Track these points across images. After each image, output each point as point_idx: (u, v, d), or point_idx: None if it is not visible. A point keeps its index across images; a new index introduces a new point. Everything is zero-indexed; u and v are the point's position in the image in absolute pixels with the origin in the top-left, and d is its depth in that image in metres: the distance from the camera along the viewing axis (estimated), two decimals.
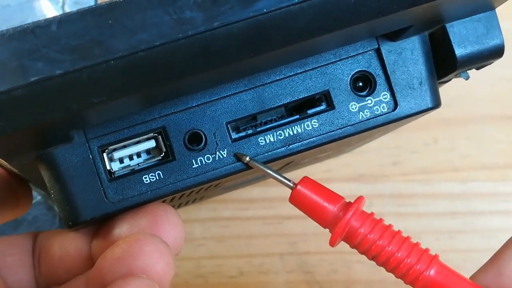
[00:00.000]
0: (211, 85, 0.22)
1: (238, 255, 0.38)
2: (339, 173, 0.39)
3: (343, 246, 0.39)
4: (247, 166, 0.23)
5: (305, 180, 0.23)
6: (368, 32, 0.23)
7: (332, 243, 0.23)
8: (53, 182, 0.22)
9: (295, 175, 0.38)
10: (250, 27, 0.18)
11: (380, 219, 0.23)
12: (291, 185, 0.23)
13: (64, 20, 0.18)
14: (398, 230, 0.24)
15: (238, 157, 0.22)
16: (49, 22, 0.17)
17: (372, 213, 0.23)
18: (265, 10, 0.18)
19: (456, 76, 0.25)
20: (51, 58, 0.17)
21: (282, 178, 0.23)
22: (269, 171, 0.23)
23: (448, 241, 0.39)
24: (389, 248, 0.23)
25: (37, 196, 0.36)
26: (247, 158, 0.22)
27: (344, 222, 0.23)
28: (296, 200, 0.23)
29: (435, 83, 0.24)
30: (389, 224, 0.24)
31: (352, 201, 0.23)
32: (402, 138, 0.39)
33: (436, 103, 0.24)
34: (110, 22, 0.18)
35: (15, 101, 0.17)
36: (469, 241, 0.39)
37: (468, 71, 0.25)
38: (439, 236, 0.39)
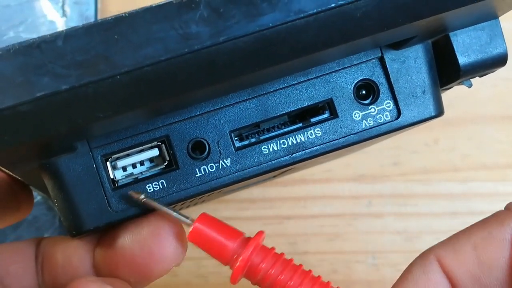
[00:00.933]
0: (215, 96, 0.22)
1: None
2: (339, 173, 0.39)
3: (343, 246, 0.39)
4: (251, 176, 0.23)
5: (203, 217, 0.23)
6: (372, 43, 0.23)
7: (233, 280, 0.22)
8: (56, 191, 0.22)
9: (295, 175, 0.38)
10: (256, 41, 0.18)
11: (281, 253, 0.23)
12: (189, 222, 0.22)
13: (69, 35, 0.18)
14: (300, 264, 0.23)
15: (131, 196, 0.22)
16: (54, 37, 0.18)
17: (272, 248, 0.23)
18: (270, 24, 0.18)
19: (459, 84, 0.25)
20: (57, 73, 0.17)
21: (179, 216, 0.22)
22: (164, 209, 0.22)
23: None
24: (291, 283, 0.22)
25: (37, 196, 0.36)
26: (142, 197, 0.22)
27: (244, 258, 0.22)
28: (194, 237, 0.22)
29: (438, 91, 0.24)
30: (290, 259, 0.23)
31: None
32: (402, 138, 0.39)
33: (439, 111, 0.24)
34: (116, 37, 0.18)
35: (20, 116, 0.17)
36: None
37: (471, 80, 0.25)
38: (439, 236, 0.38)
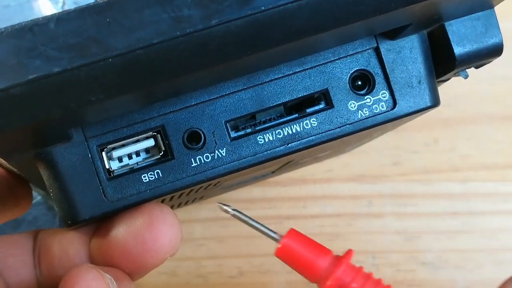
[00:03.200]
0: (209, 84, 0.22)
1: (238, 255, 0.38)
2: (339, 173, 0.39)
3: (343, 246, 0.39)
4: (246, 166, 0.23)
5: (292, 233, 0.23)
6: (367, 30, 0.23)
7: None
8: (51, 181, 0.22)
9: (295, 175, 0.38)
10: (248, 25, 0.18)
11: (370, 273, 0.23)
12: (277, 238, 0.22)
13: (62, 18, 0.18)
14: (389, 285, 0.23)
15: (221, 208, 0.22)
16: (47, 20, 0.18)
17: (361, 267, 0.23)
18: (263, 8, 0.18)
19: (455, 75, 0.25)
20: (49, 56, 0.17)
21: (267, 231, 0.22)
22: (253, 223, 0.22)
23: (448, 241, 0.39)
24: None
25: (37, 196, 0.36)
26: (230, 210, 0.22)
27: (336, 277, 0.22)
28: (282, 254, 0.22)
29: (434, 82, 0.24)
30: (379, 278, 0.23)
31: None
32: (402, 138, 0.39)
33: (435, 102, 0.24)
34: (108, 20, 0.18)
35: (13, 99, 0.17)
36: (469, 241, 0.39)
37: (467, 70, 0.25)
38: (439, 236, 0.39)
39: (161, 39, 0.18)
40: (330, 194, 0.39)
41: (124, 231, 0.22)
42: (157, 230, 0.22)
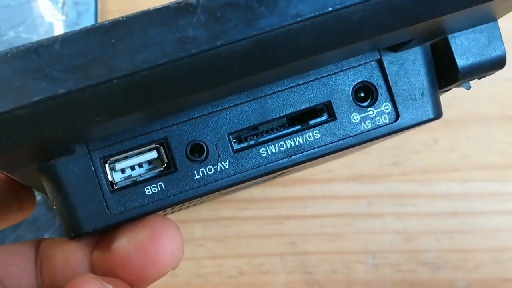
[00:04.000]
0: (213, 99, 0.22)
1: (238, 255, 0.38)
2: (339, 173, 0.39)
3: (343, 246, 0.39)
4: (249, 179, 0.23)
5: None
6: (371, 46, 0.23)
7: None
8: (55, 194, 0.22)
9: (295, 175, 0.38)
10: (253, 45, 0.18)
11: None
12: None
13: (67, 39, 0.18)
14: None
15: None
16: (52, 41, 0.18)
17: None
18: (268, 28, 0.18)
19: (457, 86, 0.25)
20: (54, 77, 0.17)
21: None
22: None
23: (448, 241, 0.39)
24: None
25: (37, 196, 0.36)
26: None
27: None
28: None
29: (437, 94, 0.24)
30: None
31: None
32: (402, 138, 0.39)
33: (438, 114, 0.24)
34: (113, 41, 0.18)
35: (18, 120, 0.18)
36: (469, 241, 0.39)
37: (469, 81, 0.25)
38: (438, 236, 0.39)
39: (166, 60, 0.18)
40: (330, 194, 0.39)
41: (126, 243, 0.22)
42: (159, 243, 0.22)
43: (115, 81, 0.18)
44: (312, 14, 0.18)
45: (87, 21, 0.38)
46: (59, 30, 0.38)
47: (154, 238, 0.22)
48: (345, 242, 0.38)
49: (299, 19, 0.18)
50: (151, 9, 0.18)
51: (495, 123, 0.40)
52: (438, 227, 0.39)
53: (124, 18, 0.18)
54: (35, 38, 0.38)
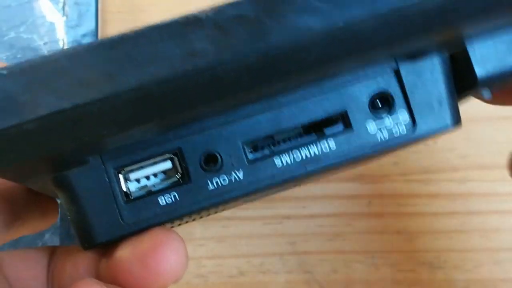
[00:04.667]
0: (225, 111, 0.22)
1: (238, 255, 0.38)
2: (339, 173, 0.39)
3: (342, 246, 0.39)
4: (264, 189, 0.22)
5: None
6: (386, 57, 0.22)
7: None
8: (69, 204, 0.22)
9: None
10: (262, 59, 0.18)
11: None
12: None
13: (74, 53, 0.18)
14: None
15: None
16: (59, 55, 0.18)
17: None
18: (276, 41, 0.18)
19: (476, 96, 0.25)
20: (61, 91, 0.17)
21: None
22: None
23: (447, 241, 0.39)
24: None
25: None
26: None
27: None
28: None
29: (455, 103, 0.23)
30: None
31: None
32: None
33: (456, 122, 0.23)
34: (120, 55, 0.18)
35: (25, 134, 0.18)
36: (468, 241, 0.39)
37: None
38: (438, 236, 0.39)
39: (174, 74, 0.18)
40: (330, 194, 0.39)
41: (129, 253, 0.22)
42: (161, 255, 0.22)
43: (122, 95, 0.18)
44: (322, 29, 0.18)
45: (88, 21, 0.38)
46: (60, 30, 0.38)
47: (156, 250, 0.22)
48: (345, 242, 0.38)
49: (308, 32, 0.18)
50: (159, 23, 0.18)
51: (494, 123, 0.40)
52: (438, 227, 0.39)
53: (132, 33, 0.18)
54: (35, 38, 0.38)
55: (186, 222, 0.25)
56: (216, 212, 0.25)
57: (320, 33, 0.18)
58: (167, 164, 0.22)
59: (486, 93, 0.24)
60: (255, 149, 0.23)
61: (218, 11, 0.18)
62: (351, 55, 0.20)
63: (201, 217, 0.26)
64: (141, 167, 0.22)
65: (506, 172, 0.39)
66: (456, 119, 0.23)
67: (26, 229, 0.26)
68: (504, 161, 0.39)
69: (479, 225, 0.39)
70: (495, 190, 0.39)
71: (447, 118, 0.23)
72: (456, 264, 0.38)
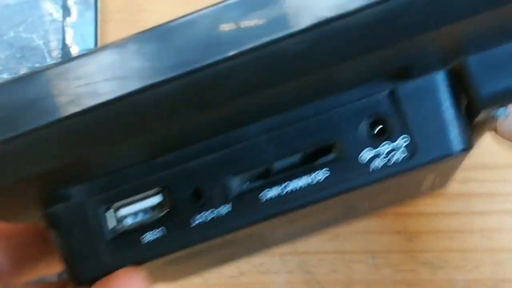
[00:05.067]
0: (203, 138, 0.22)
1: None
2: None
3: (343, 246, 0.39)
4: (253, 223, 0.22)
5: None
6: (376, 73, 0.21)
7: None
8: (56, 242, 0.22)
9: None
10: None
11: None
12: None
13: (46, 72, 0.18)
14: None
15: None
16: (37, 72, 0.18)
17: None
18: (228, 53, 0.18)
19: (492, 117, 0.22)
20: (41, 108, 0.18)
21: None
22: None
23: (447, 240, 0.39)
24: None
25: None
26: None
27: None
28: None
29: (463, 125, 0.21)
30: None
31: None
32: None
33: (465, 148, 0.21)
34: (97, 70, 0.18)
35: (4, 152, 0.18)
36: (468, 241, 0.39)
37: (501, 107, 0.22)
38: (438, 236, 0.39)
39: (149, 86, 0.18)
40: None
41: None
42: None
43: (102, 108, 0.18)
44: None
45: (87, 21, 0.38)
46: (59, 30, 0.38)
47: None
48: (345, 242, 0.38)
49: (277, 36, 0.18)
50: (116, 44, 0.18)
51: None
52: (438, 227, 0.39)
53: (92, 51, 0.18)
54: (35, 37, 0.38)
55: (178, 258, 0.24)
56: (209, 252, 0.24)
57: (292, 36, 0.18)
58: (153, 200, 0.22)
59: (503, 112, 0.22)
60: (242, 183, 0.22)
61: None
62: (341, 56, 0.19)
63: (196, 255, 0.26)
64: (127, 204, 0.22)
65: (507, 172, 0.39)
66: (466, 144, 0.21)
67: (41, 270, 0.26)
68: (504, 161, 0.39)
69: (480, 225, 0.39)
70: (496, 190, 0.39)
71: (453, 143, 0.21)
72: (457, 264, 0.38)
